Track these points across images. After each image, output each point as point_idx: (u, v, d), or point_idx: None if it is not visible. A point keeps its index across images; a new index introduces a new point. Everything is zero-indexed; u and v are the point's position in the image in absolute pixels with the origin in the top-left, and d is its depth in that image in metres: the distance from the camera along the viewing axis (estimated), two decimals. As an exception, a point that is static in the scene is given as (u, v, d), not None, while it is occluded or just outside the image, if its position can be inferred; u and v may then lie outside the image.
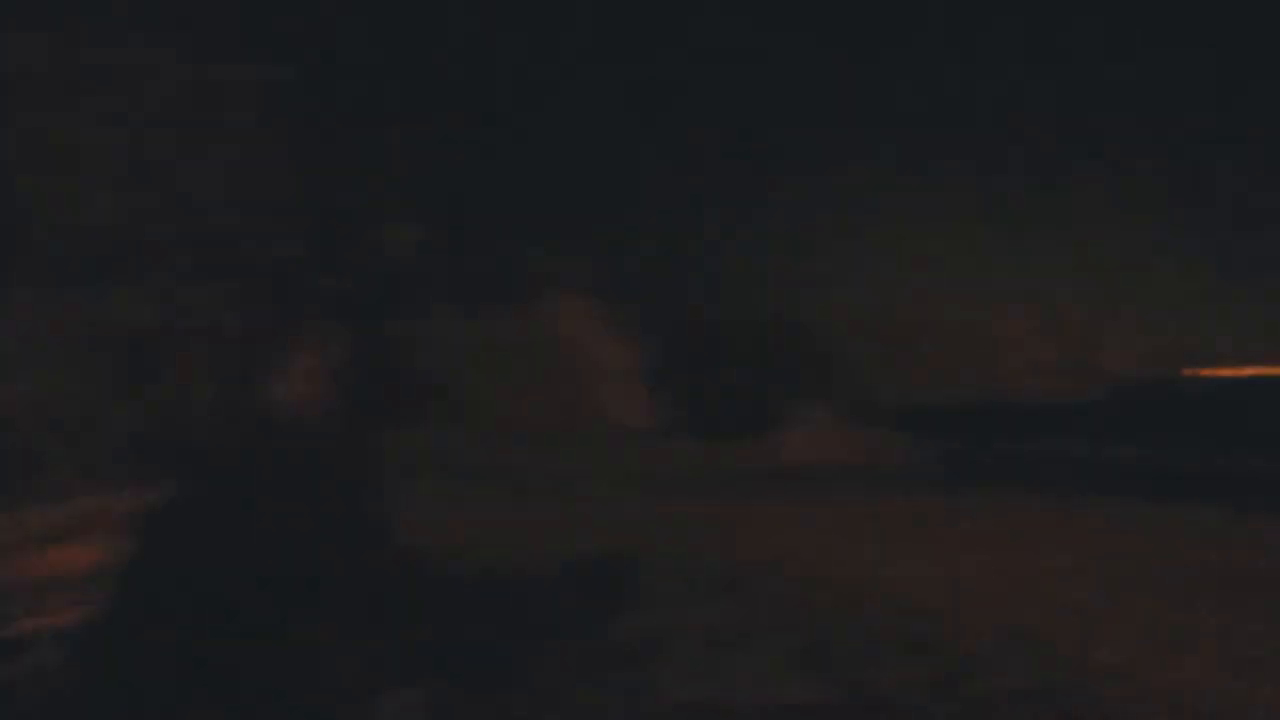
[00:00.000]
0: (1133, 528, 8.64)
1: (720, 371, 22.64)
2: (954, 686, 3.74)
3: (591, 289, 21.61)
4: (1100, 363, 42.21)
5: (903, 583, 6.09)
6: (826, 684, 3.75)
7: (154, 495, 1.77)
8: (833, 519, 9.32)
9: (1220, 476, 14.18)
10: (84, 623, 3.74)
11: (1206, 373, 52.98)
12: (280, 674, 1.60)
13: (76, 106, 6.98)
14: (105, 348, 5.81)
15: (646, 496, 10.20)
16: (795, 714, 3.48)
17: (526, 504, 9.02)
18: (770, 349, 25.13)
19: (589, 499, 9.83)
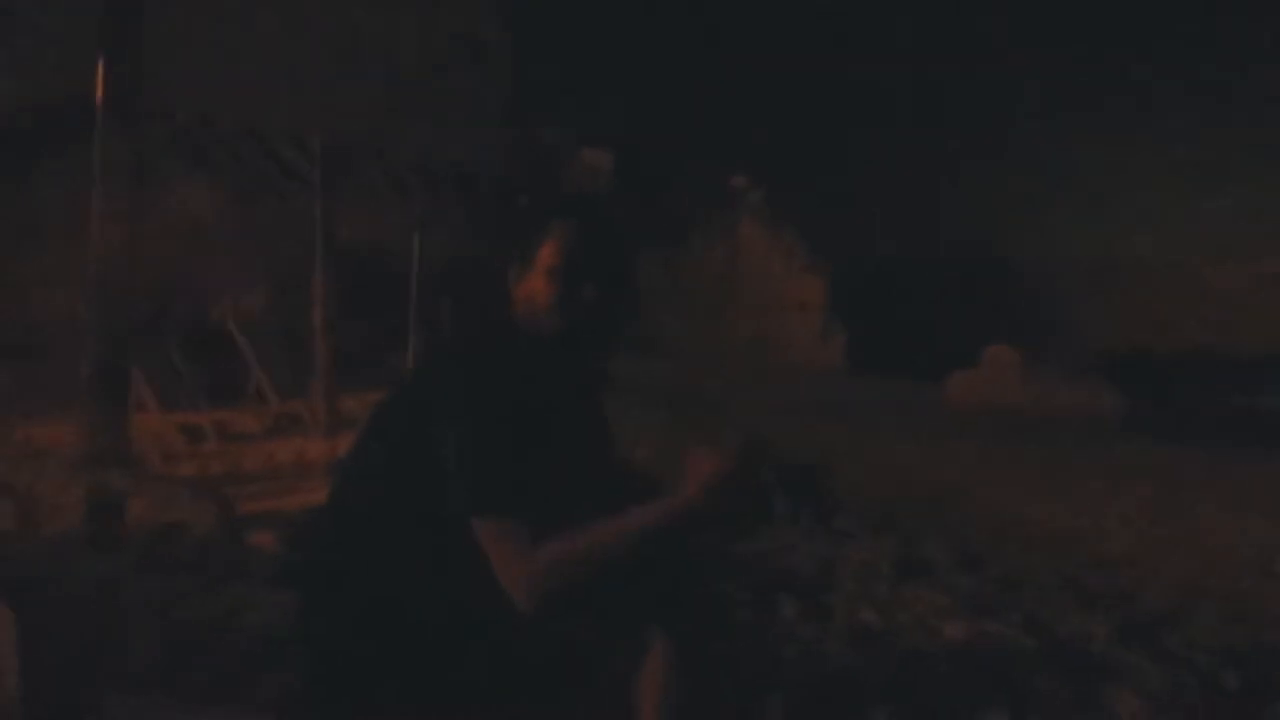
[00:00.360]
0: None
1: (912, 307, 21.99)
2: (1140, 639, 3.63)
3: (782, 219, 21.32)
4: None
5: (1087, 532, 5.90)
6: (1005, 625, 3.70)
7: (378, 397, 1.88)
8: (1017, 463, 9.05)
9: None
10: (303, 509, 4.11)
11: None
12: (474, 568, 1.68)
13: (317, 39, 7.36)
14: (327, 260, 6.24)
15: (828, 429, 10.16)
16: (973, 652, 3.46)
17: (702, 427, 9.15)
18: (967, 287, 24.19)
19: (768, 429, 9.88)
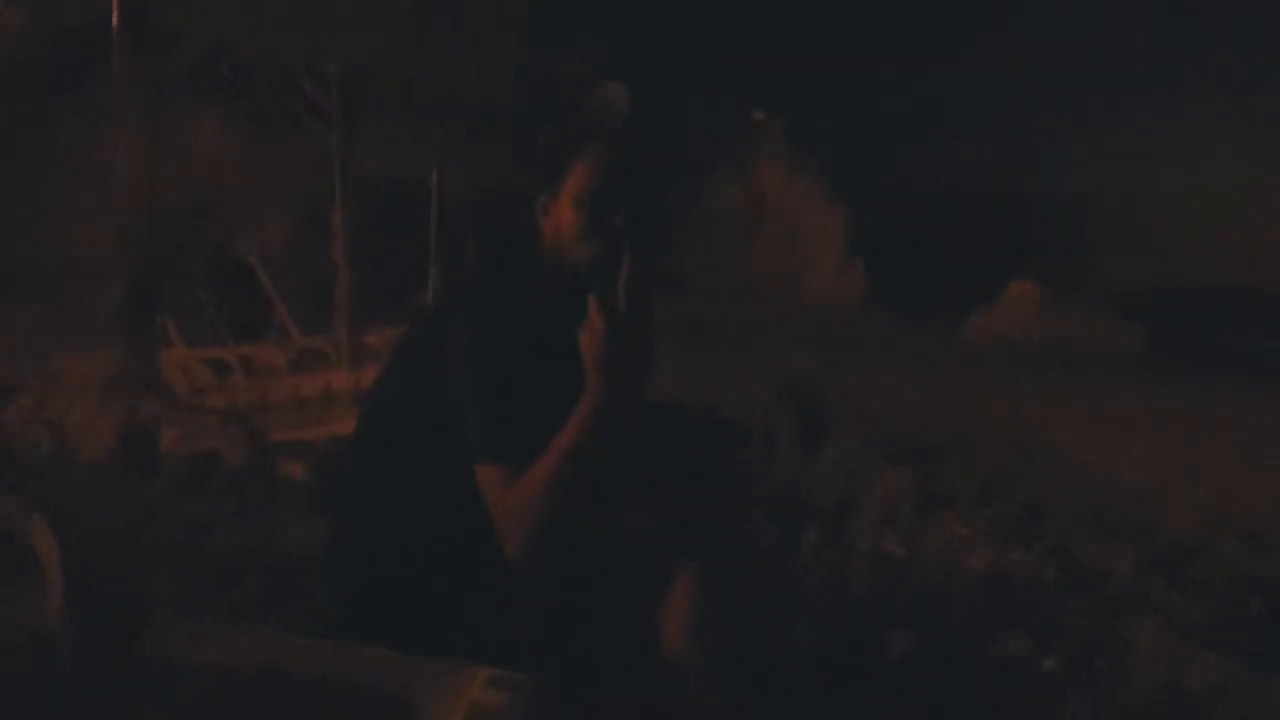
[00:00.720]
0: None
1: (934, 242, 21.77)
2: (1165, 567, 3.65)
3: (801, 152, 21.05)
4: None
5: (1109, 464, 5.90)
6: (1027, 555, 3.72)
7: (399, 332, 1.87)
8: (1037, 396, 9.03)
9: None
10: (330, 439, 4.16)
11: None
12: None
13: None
14: (347, 194, 6.21)
15: (845, 363, 10.15)
16: (995, 580, 3.49)
17: (720, 362, 9.17)
18: (985, 219, 23.88)
19: (785, 362, 9.88)
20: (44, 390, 3.41)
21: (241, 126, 11.46)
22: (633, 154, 1.76)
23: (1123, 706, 2.56)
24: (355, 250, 6.48)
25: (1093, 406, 8.71)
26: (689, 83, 18.96)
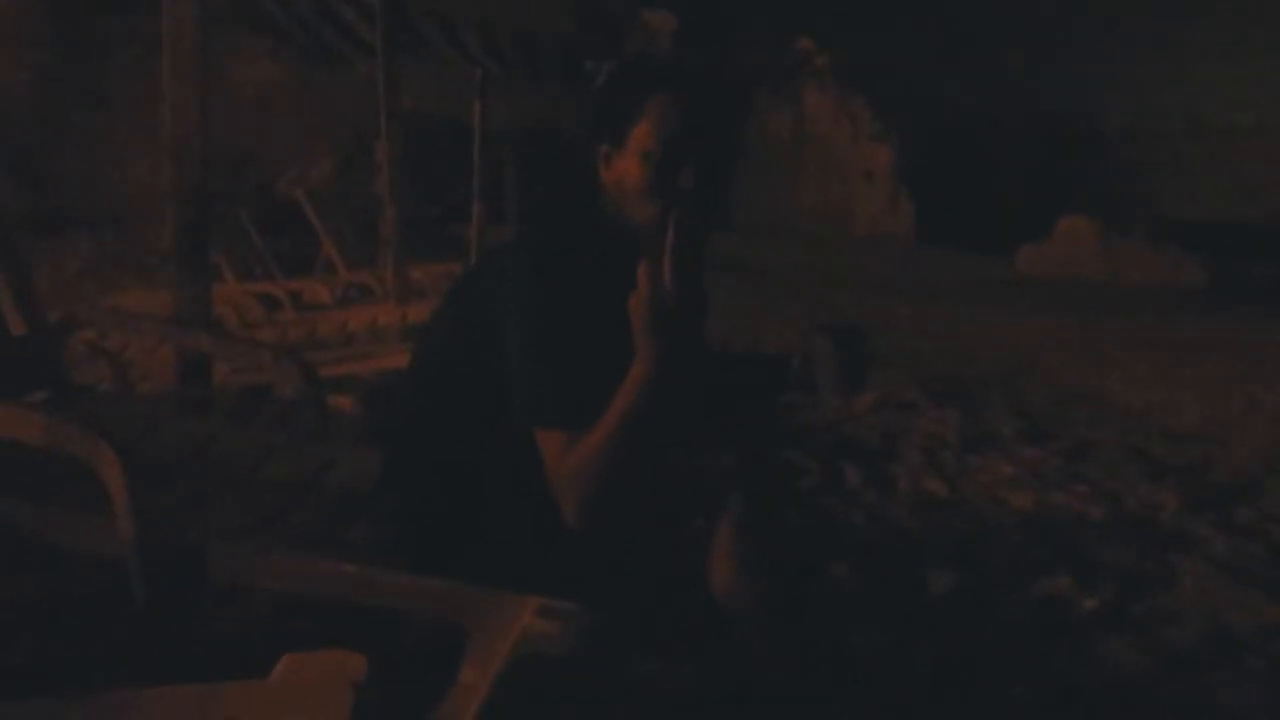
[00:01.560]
0: None
1: (983, 175, 21.33)
2: (1213, 509, 3.61)
3: (849, 83, 20.63)
4: None
5: (1160, 405, 5.82)
6: (1072, 496, 3.71)
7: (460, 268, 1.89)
8: (1089, 336, 8.90)
9: None
10: (379, 373, 4.23)
11: None
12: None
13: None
14: (391, 127, 6.20)
15: (892, 300, 10.05)
16: (1039, 520, 3.49)
17: (767, 298, 9.12)
18: (1040, 154, 23.32)
19: (830, 299, 9.81)
20: (103, 325, 3.49)
21: (286, 59, 11.45)
22: (708, 106, 1.64)
23: (1166, 646, 2.57)
24: (399, 184, 6.48)
25: (1146, 344, 8.56)
26: (730, 14, 18.54)
